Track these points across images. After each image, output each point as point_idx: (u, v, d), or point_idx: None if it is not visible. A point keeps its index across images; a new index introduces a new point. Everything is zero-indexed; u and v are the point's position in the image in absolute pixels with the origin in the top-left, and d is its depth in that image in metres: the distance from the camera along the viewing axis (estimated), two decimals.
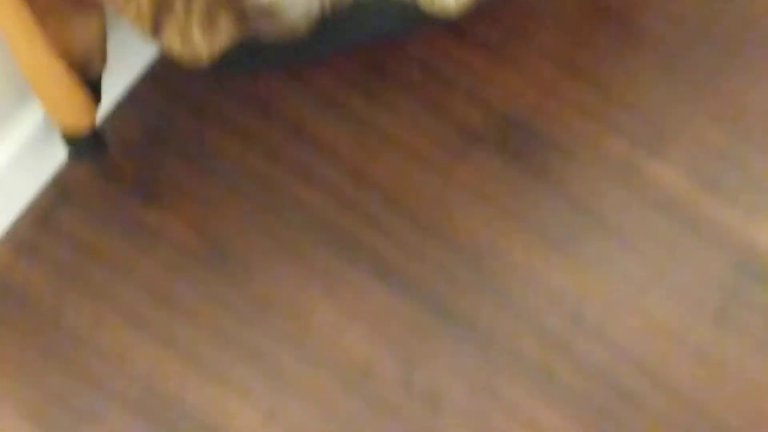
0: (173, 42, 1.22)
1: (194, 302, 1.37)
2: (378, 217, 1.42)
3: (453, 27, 1.48)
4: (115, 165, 1.44)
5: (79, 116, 1.28)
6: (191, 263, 1.39)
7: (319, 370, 1.35)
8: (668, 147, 1.44)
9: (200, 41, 1.24)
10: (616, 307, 1.37)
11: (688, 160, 1.43)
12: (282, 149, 1.45)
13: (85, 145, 1.33)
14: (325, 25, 1.26)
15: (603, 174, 1.43)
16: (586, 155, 1.44)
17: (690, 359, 1.35)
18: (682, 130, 1.45)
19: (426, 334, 1.36)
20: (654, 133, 1.45)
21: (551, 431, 1.32)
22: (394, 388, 1.34)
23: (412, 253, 1.40)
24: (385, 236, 1.40)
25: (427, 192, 1.43)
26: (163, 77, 1.48)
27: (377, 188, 1.43)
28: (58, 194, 1.42)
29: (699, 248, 1.39)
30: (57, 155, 1.42)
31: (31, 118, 1.36)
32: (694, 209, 1.41)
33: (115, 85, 1.44)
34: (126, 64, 1.44)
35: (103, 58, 1.30)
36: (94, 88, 1.31)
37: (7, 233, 1.40)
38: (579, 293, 1.38)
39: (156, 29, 1.20)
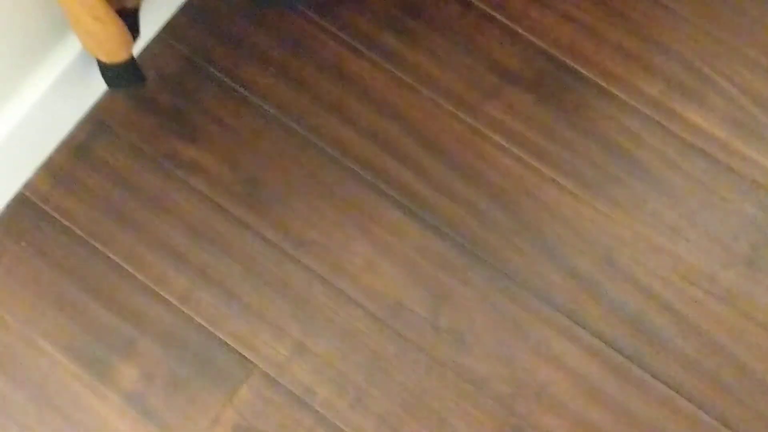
0: None
1: (228, 235, 1.38)
2: (411, 155, 1.41)
3: None
4: (152, 97, 1.44)
5: (116, 48, 1.28)
6: (226, 198, 1.40)
7: (349, 305, 1.36)
8: (704, 91, 1.42)
9: None
10: (647, 250, 1.37)
11: (723, 104, 1.42)
12: (317, 85, 1.44)
13: (123, 76, 1.34)
14: None
15: (637, 116, 1.42)
16: (621, 96, 1.42)
17: (719, 303, 1.34)
18: (718, 74, 1.43)
19: (456, 273, 1.37)
20: (690, 77, 1.43)
21: (577, 371, 1.33)
22: (422, 324, 1.35)
23: (444, 191, 1.40)
24: (418, 174, 1.41)
25: (461, 131, 1.42)
26: (201, 11, 1.48)
27: (411, 126, 1.42)
28: (95, 126, 1.43)
29: (732, 192, 1.38)
30: (95, 88, 1.43)
31: (68, 51, 1.36)
32: (727, 153, 1.40)
33: (154, 18, 1.44)
34: None
35: None
36: (132, 21, 1.31)
37: (45, 163, 1.42)
38: (611, 235, 1.37)
39: None
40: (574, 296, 1.35)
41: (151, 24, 1.43)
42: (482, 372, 1.33)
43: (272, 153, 1.42)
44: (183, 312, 1.35)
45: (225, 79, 1.45)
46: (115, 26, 1.26)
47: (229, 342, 1.34)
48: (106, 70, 1.33)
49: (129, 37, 1.29)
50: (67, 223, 1.39)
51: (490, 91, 1.43)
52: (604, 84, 1.43)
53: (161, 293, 1.36)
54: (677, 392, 1.32)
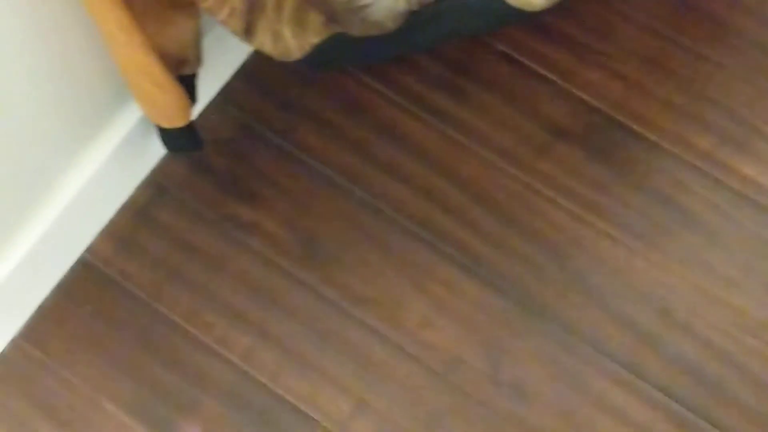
0: (265, 41, 1.25)
1: (288, 295, 1.40)
2: (465, 211, 1.43)
3: (537, 24, 1.50)
4: (209, 161, 1.47)
5: (176, 114, 1.32)
6: (285, 258, 1.42)
7: (408, 362, 1.37)
8: (755, 143, 1.44)
9: (291, 39, 1.27)
10: (703, 302, 1.37)
11: None
12: (370, 145, 1.47)
13: (181, 141, 1.37)
14: (411, 22, 1.28)
15: (689, 169, 1.43)
16: (673, 151, 1.44)
17: None
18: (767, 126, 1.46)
19: (513, 327, 1.38)
20: (741, 130, 1.45)
21: (639, 424, 1.33)
22: (481, 379, 1.36)
23: (498, 247, 1.41)
24: (473, 230, 1.42)
25: (514, 187, 1.44)
26: (255, 74, 1.52)
27: (464, 183, 1.45)
28: (154, 190, 1.46)
29: None
30: (154, 153, 1.47)
31: (129, 117, 1.40)
32: None
33: (210, 83, 1.48)
34: (220, 62, 1.48)
35: (198, 57, 1.34)
36: (189, 87, 1.35)
37: (107, 227, 1.44)
38: (666, 288, 1.38)
39: (248, 29, 1.23)
40: (633, 348, 1.36)
41: (207, 89, 1.47)
42: (543, 426, 1.33)
43: (328, 213, 1.44)
44: (245, 371, 1.37)
45: (280, 142, 1.48)
46: (175, 92, 1.29)
47: (291, 400, 1.36)
48: (165, 135, 1.36)
49: (188, 102, 1.33)
50: (129, 286, 1.41)
51: (542, 148, 1.45)
52: (654, 138, 1.45)
53: (223, 353, 1.38)
54: None
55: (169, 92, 1.28)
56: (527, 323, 1.38)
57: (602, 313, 1.38)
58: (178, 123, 1.33)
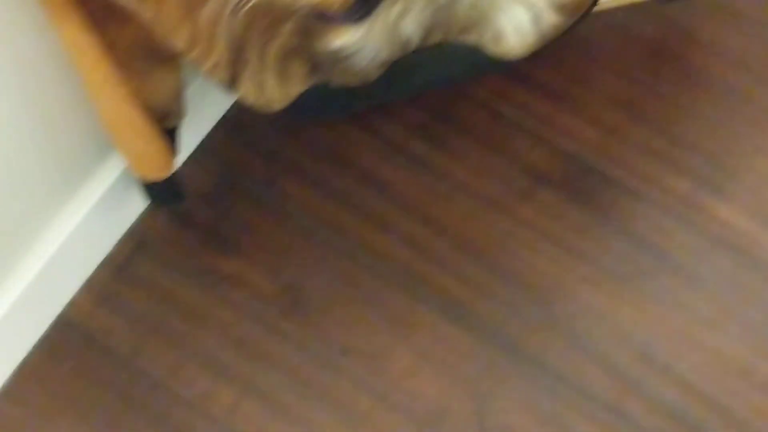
0: (249, 91, 1.26)
1: (271, 347, 1.40)
2: (448, 259, 1.44)
3: (516, 71, 1.52)
4: (191, 213, 1.47)
5: (157, 166, 1.31)
6: (268, 309, 1.42)
7: (394, 411, 1.36)
8: (731, 186, 1.46)
9: (274, 89, 1.27)
10: (684, 345, 1.38)
11: (751, 199, 1.45)
12: (353, 195, 1.48)
13: (163, 194, 1.37)
14: (393, 71, 1.29)
15: (668, 213, 1.45)
16: (651, 194, 1.46)
17: (760, 395, 1.36)
18: (744, 169, 1.47)
19: (498, 373, 1.38)
20: (717, 173, 1.47)
21: None
22: (467, 427, 1.35)
23: (482, 293, 1.42)
24: (456, 278, 1.43)
25: (495, 233, 1.45)
26: (236, 125, 1.52)
27: (447, 231, 1.45)
28: (135, 244, 1.46)
29: (764, 284, 1.40)
30: (134, 207, 1.46)
31: (109, 172, 1.40)
32: (757, 247, 1.42)
33: (191, 134, 1.48)
34: (200, 114, 1.48)
35: (181, 110, 1.34)
36: (171, 139, 1.35)
37: (88, 283, 1.43)
38: (647, 331, 1.39)
39: (233, 80, 1.23)
40: (616, 392, 1.36)
41: (188, 140, 1.46)
42: None
43: (311, 263, 1.44)
44: (229, 425, 1.35)
45: (262, 192, 1.48)
46: (159, 145, 1.29)
47: None
48: (148, 188, 1.35)
49: (171, 155, 1.32)
50: (110, 342, 1.40)
51: (523, 193, 1.46)
52: (633, 183, 1.46)
53: (207, 408, 1.36)
54: None
55: (154, 145, 1.28)
56: (511, 369, 1.38)
57: (585, 356, 1.38)
58: (162, 175, 1.32)
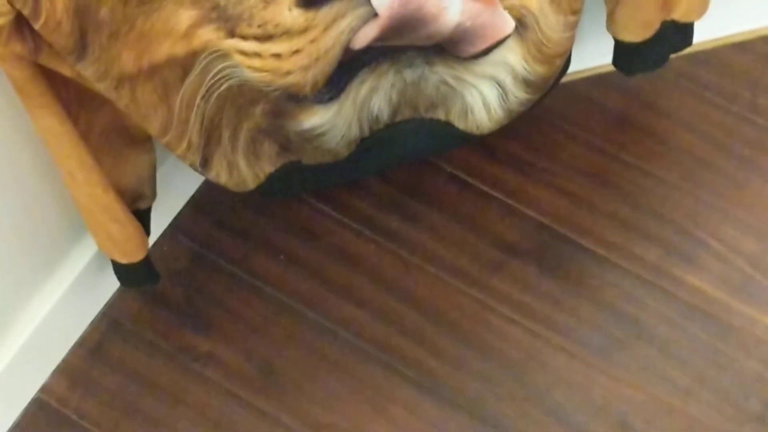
0: (220, 172, 1.26)
1: (246, 423, 1.39)
2: (422, 332, 1.44)
3: (484, 145, 1.53)
4: (163, 292, 1.47)
5: (133, 249, 1.32)
6: (243, 387, 1.41)
7: None
8: (701, 255, 1.47)
9: (245, 170, 1.28)
10: (660, 414, 1.39)
11: (719, 266, 1.46)
12: (325, 270, 1.48)
13: (138, 276, 1.36)
14: (362, 147, 1.31)
15: (638, 282, 1.46)
16: (621, 263, 1.47)
17: None
18: (711, 237, 1.48)
19: None
20: (686, 242, 1.48)
21: None
22: None
23: (456, 365, 1.42)
24: (430, 351, 1.43)
25: (468, 305, 1.46)
26: (206, 204, 1.53)
27: (420, 304, 1.46)
28: (108, 325, 1.45)
29: (737, 351, 1.41)
30: (107, 288, 1.46)
31: (81, 255, 1.40)
32: (729, 313, 1.44)
33: (162, 214, 1.48)
34: (171, 193, 1.48)
35: (153, 192, 1.35)
36: (143, 221, 1.35)
37: (61, 366, 1.43)
38: (623, 400, 1.40)
39: (205, 162, 1.24)
40: None
41: (159, 220, 1.46)
42: None
43: (285, 339, 1.44)
44: None
45: (235, 270, 1.48)
46: (132, 227, 1.29)
47: None
48: (121, 270, 1.35)
49: (144, 237, 1.33)
50: (85, 425, 1.39)
51: (495, 265, 1.47)
52: (603, 253, 1.47)
53: None
54: None
55: (127, 227, 1.28)
56: None
57: (562, 428, 1.38)
58: (136, 258, 1.32)
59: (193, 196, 1.53)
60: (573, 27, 1.22)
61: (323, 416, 1.40)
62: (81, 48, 1.04)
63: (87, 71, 1.06)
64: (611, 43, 1.37)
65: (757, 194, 1.50)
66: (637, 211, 1.50)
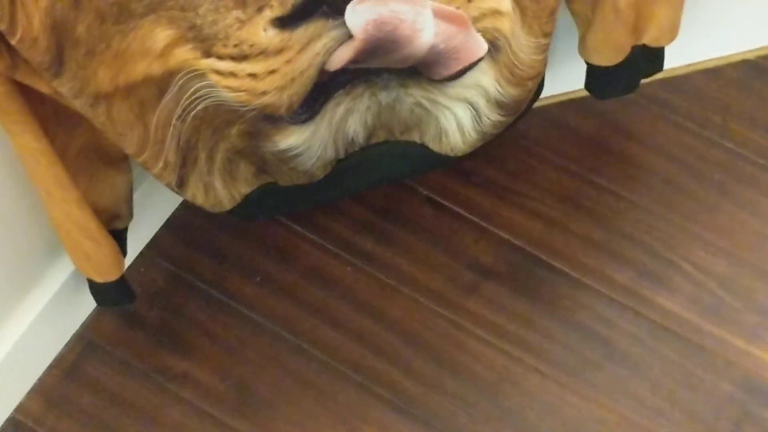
0: (197, 193, 1.27)
1: None
2: (396, 353, 1.45)
3: (459, 168, 1.55)
4: (139, 313, 1.48)
5: (109, 268, 1.32)
6: (219, 408, 1.42)
7: None
8: (672, 277, 1.49)
9: (222, 190, 1.29)
10: None
11: (690, 288, 1.48)
12: (301, 292, 1.49)
13: (114, 295, 1.37)
14: (338, 169, 1.32)
15: (611, 304, 1.47)
16: (594, 286, 1.48)
17: None
18: (682, 259, 1.50)
19: None
20: (658, 264, 1.50)
21: None
22: None
23: (430, 386, 1.43)
24: (404, 371, 1.44)
25: (442, 326, 1.46)
26: (183, 225, 1.54)
27: (394, 325, 1.47)
28: (84, 345, 1.46)
29: (708, 372, 1.43)
30: (83, 308, 1.46)
31: (59, 273, 1.40)
32: (700, 335, 1.45)
33: (138, 235, 1.49)
34: (147, 215, 1.49)
35: (130, 212, 1.36)
36: (120, 241, 1.35)
37: (36, 386, 1.43)
38: (595, 420, 1.41)
39: (181, 182, 1.25)
40: None
41: (135, 241, 1.47)
42: None
43: (261, 360, 1.44)
44: None
45: (211, 291, 1.49)
46: (108, 246, 1.30)
47: None
48: (97, 290, 1.36)
49: (120, 256, 1.33)
50: None
51: (469, 287, 1.48)
52: (576, 275, 1.49)
53: None
54: None
55: (104, 247, 1.29)
56: None
57: None
58: (112, 277, 1.33)
59: (169, 218, 1.54)
60: (545, 50, 1.24)
61: None
62: (58, 65, 1.05)
63: (63, 88, 1.07)
64: (584, 68, 1.40)
65: (727, 217, 1.52)
66: (609, 234, 1.52)
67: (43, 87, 1.09)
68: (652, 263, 1.50)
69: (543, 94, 1.39)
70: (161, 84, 1.13)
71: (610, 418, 1.41)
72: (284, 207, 1.40)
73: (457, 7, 1.15)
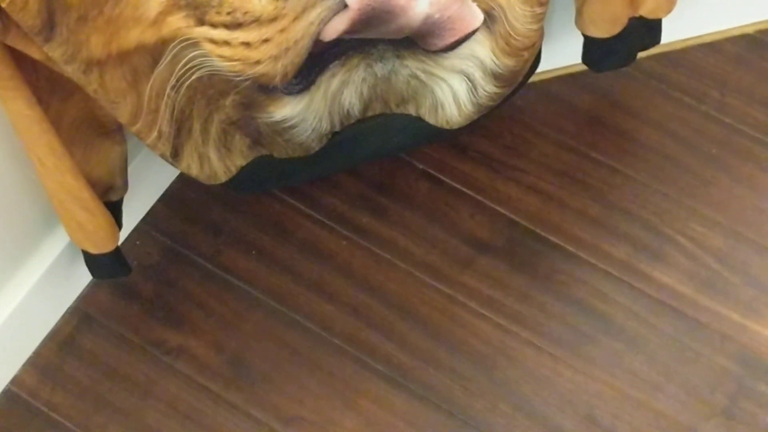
0: (191, 164, 1.27)
1: (217, 417, 1.40)
2: (392, 326, 1.45)
3: (455, 142, 1.55)
4: (135, 286, 1.48)
5: (104, 239, 1.32)
6: (214, 381, 1.42)
7: None
8: (668, 251, 1.49)
9: (217, 162, 1.29)
10: (628, 407, 1.40)
11: (686, 262, 1.48)
12: (296, 266, 1.49)
13: (109, 267, 1.37)
14: (333, 142, 1.32)
15: (607, 278, 1.47)
16: (590, 260, 1.48)
17: None
18: (679, 234, 1.50)
19: None
20: (654, 239, 1.50)
21: None
22: None
23: (426, 360, 1.43)
24: (400, 345, 1.44)
25: (438, 300, 1.47)
26: (179, 199, 1.54)
27: (390, 299, 1.47)
28: (80, 318, 1.46)
29: (704, 346, 1.43)
30: (78, 280, 1.46)
31: (54, 245, 1.40)
32: (696, 309, 1.45)
33: (134, 208, 1.49)
34: (143, 188, 1.49)
35: (125, 183, 1.35)
36: (115, 212, 1.35)
37: (32, 358, 1.43)
38: (590, 394, 1.41)
39: (175, 153, 1.25)
40: None
41: (131, 214, 1.47)
42: None
43: (256, 333, 1.45)
44: None
45: (206, 265, 1.49)
46: (103, 218, 1.30)
47: None
48: (92, 261, 1.36)
49: (116, 228, 1.33)
50: (56, 417, 1.39)
51: (465, 261, 1.48)
52: (572, 249, 1.49)
53: None
54: None
55: (98, 217, 1.29)
56: None
57: (530, 421, 1.39)
58: (106, 248, 1.33)
59: (165, 192, 1.54)
60: (540, 19, 1.23)
61: (293, 409, 1.40)
62: (48, 29, 1.04)
63: (55, 53, 1.06)
64: (581, 42, 1.39)
65: (724, 192, 1.52)
66: (606, 209, 1.52)
67: (34, 52, 1.09)
68: (649, 237, 1.50)
69: (540, 69, 1.39)
70: (154, 52, 1.13)
71: (605, 392, 1.41)
72: (280, 180, 1.40)
73: None
